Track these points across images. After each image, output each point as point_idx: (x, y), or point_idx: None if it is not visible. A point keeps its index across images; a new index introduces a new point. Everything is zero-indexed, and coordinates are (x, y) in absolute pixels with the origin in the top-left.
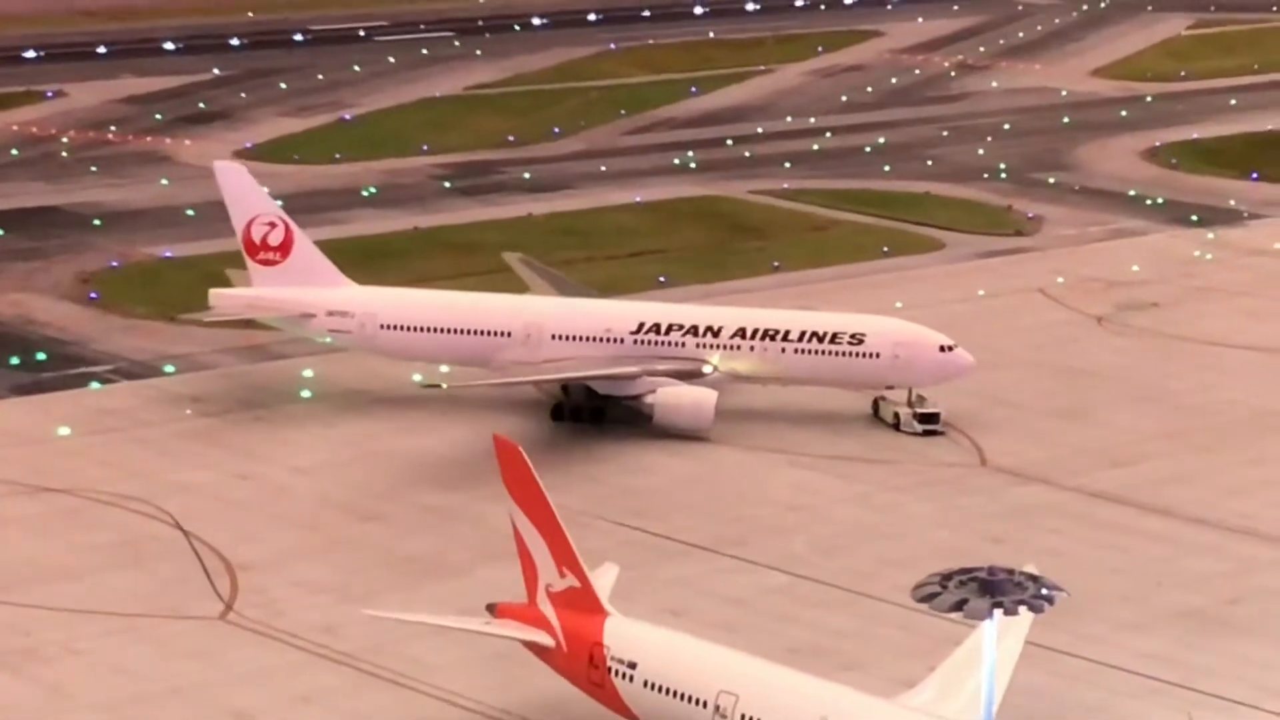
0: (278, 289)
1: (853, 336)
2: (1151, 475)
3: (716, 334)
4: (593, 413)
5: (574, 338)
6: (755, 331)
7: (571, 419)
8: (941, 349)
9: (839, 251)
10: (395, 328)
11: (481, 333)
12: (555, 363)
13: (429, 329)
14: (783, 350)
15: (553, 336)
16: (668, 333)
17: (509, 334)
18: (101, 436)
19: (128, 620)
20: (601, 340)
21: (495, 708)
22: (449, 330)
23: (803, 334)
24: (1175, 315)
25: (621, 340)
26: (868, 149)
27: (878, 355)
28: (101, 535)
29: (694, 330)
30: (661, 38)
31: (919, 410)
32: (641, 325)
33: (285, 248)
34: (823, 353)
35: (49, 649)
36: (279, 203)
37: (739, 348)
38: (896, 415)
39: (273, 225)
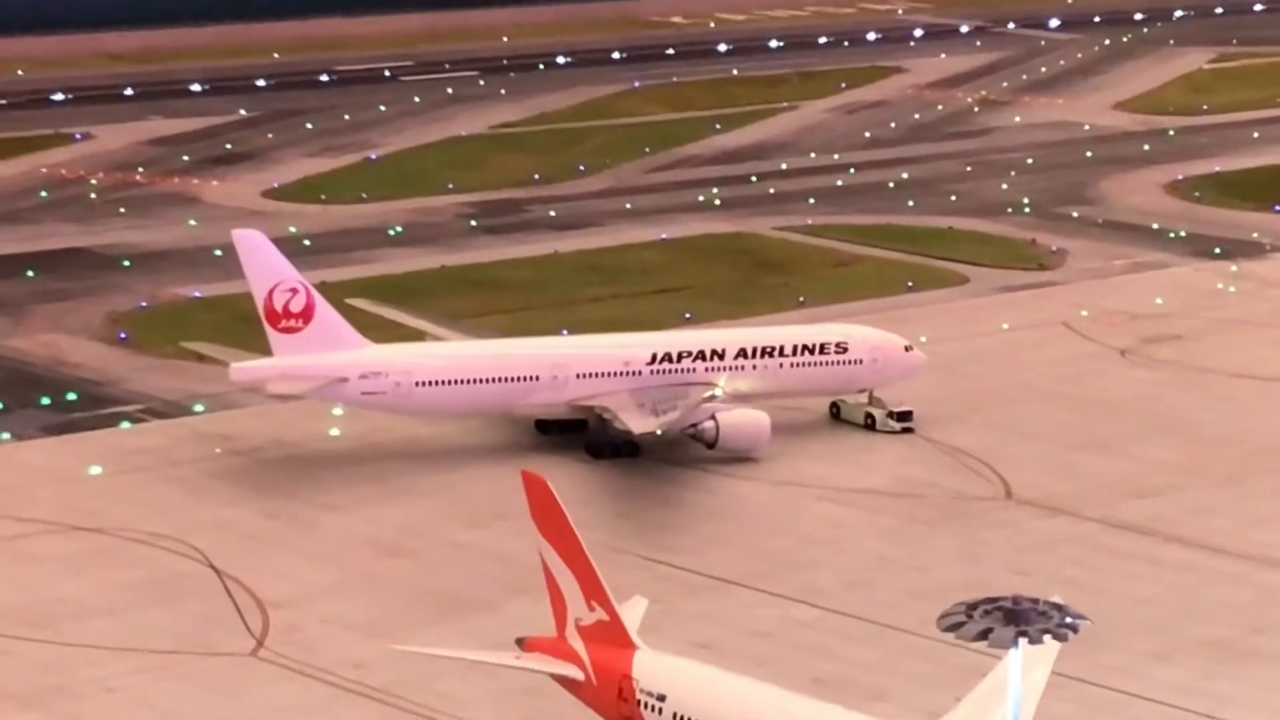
0: (303, 356)
1: (838, 346)
2: (1175, 506)
3: (721, 356)
4: (629, 446)
5: (597, 374)
6: (755, 350)
7: (611, 455)
8: (906, 349)
9: (863, 286)
10: (430, 384)
11: (511, 379)
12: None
13: (462, 381)
14: (780, 366)
15: (577, 375)
16: (679, 360)
17: (536, 378)
18: (132, 475)
19: (160, 657)
20: (622, 374)
21: None
22: (481, 381)
23: (795, 348)
24: (1198, 347)
25: (639, 372)
26: (891, 184)
27: (860, 361)
28: (133, 573)
29: (702, 355)
30: (685, 75)
31: (894, 410)
32: (655, 355)
33: (307, 314)
34: (814, 364)
35: (82, 687)
36: (311, 241)
37: (742, 368)
38: (870, 416)
39: (294, 291)
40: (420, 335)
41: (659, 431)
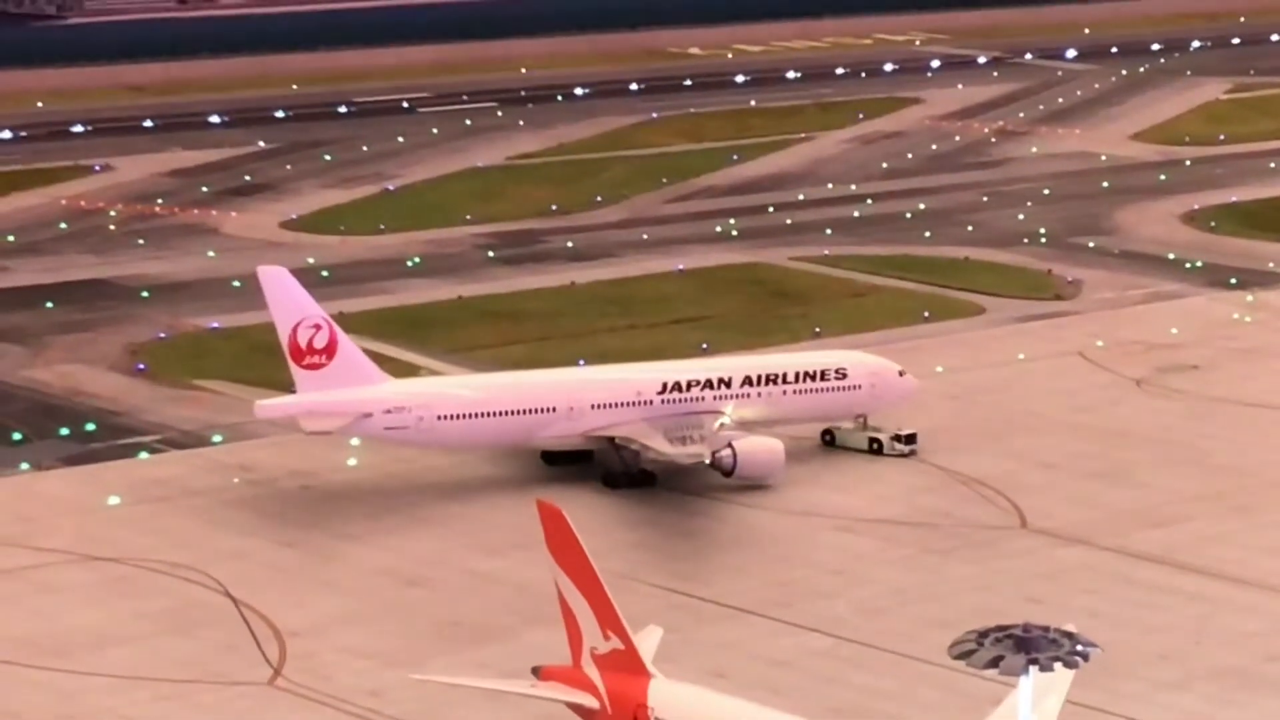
0: (326, 393)
1: (837, 371)
2: (1190, 536)
3: (728, 384)
4: (644, 476)
5: (611, 405)
6: (759, 378)
7: (627, 485)
8: (900, 374)
9: (880, 317)
10: (452, 417)
11: (530, 411)
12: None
13: (483, 414)
14: (784, 393)
15: (592, 406)
16: (688, 389)
17: (554, 409)
18: (151, 505)
19: (178, 686)
20: (634, 404)
21: None
22: (501, 413)
23: (798, 375)
24: (1214, 377)
25: (651, 402)
26: (908, 215)
27: (859, 387)
28: (151, 603)
29: (709, 384)
30: (703, 106)
31: (900, 433)
32: (665, 385)
33: (330, 350)
34: (816, 390)
35: (100, 716)
36: (330, 272)
37: (748, 395)
38: (877, 441)
39: (317, 328)
40: (414, 369)
41: (706, 461)
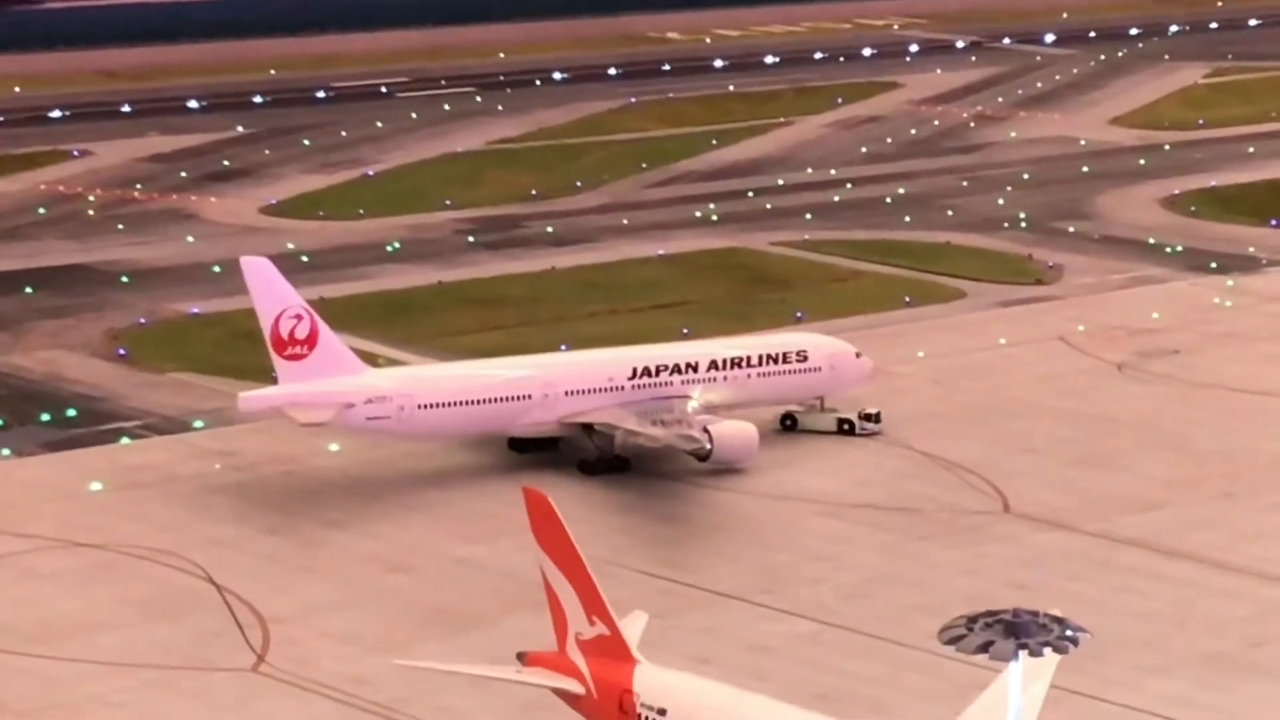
0: (308, 384)
1: (798, 354)
2: (1173, 520)
3: (695, 369)
4: (619, 462)
5: (584, 391)
6: (725, 362)
7: (605, 471)
8: (856, 355)
9: (861, 302)
10: (432, 406)
11: (507, 399)
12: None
13: (461, 403)
14: (749, 376)
15: (566, 393)
16: (658, 374)
17: (529, 396)
18: (133, 491)
19: (162, 673)
20: (606, 390)
21: None
22: (479, 402)
23: (761, 358)
24: (1195, 362)
25: (622, 387)
26: (888, 200)
27: (819, 369)
28: (134, 589)
29: (678, 369)
30: (681, 91)
31: (866, 411)
32: (635, 370)
33: (311, 340)
34: (779, 373)
35: (84, 703)
36: (309, 257)
37: (715, 379)
38: (848, 423)
39: (299, 318)
40: (373, 359)
41: (708, 446)
